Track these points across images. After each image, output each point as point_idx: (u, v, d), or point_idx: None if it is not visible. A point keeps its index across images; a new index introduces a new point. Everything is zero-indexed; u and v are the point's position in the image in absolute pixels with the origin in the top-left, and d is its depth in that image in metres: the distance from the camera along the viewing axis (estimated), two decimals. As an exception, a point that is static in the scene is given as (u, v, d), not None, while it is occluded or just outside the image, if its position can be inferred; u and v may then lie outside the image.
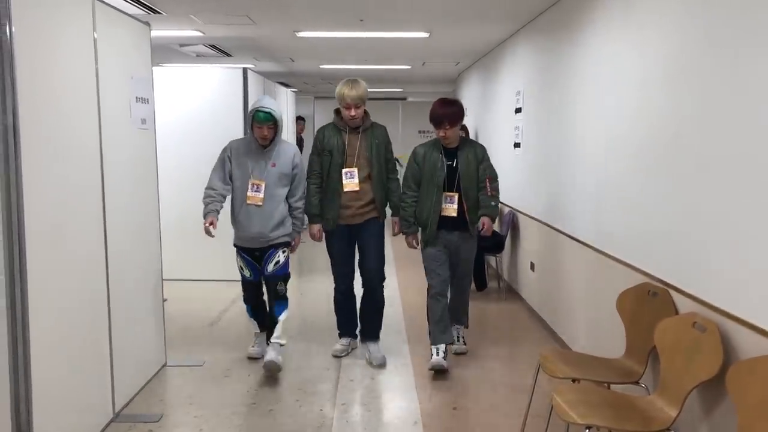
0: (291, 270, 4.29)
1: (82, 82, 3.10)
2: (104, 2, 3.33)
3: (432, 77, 11.35)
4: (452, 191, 4.18)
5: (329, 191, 4.31)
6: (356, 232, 4.38)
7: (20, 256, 2.51)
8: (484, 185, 4.21)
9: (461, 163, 4.18)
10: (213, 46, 7.60)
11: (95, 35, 3.21)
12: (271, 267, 4.13)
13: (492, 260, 7.09)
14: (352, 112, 4.18)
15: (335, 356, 4.48)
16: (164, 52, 8.04)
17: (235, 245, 4.22)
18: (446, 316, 4.24)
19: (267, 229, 4.07)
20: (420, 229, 4.29)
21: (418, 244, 4.35)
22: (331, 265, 4.48)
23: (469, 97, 10.01)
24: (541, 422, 3.31)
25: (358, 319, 4.61)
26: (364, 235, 4.38)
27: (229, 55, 8.27)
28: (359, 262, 4.45)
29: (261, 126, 3.95)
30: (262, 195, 4.04)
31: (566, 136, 4.76)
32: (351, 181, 4.24)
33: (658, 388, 2.72)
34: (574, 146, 4.55)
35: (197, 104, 6.55)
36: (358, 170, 4.26)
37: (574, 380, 2.92)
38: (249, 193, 4.04)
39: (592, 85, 4.21)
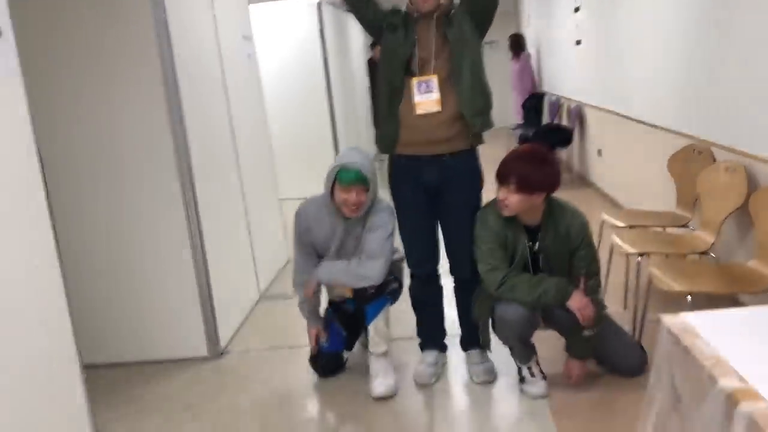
0: None
1: (206, 25, 3.80)
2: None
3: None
4: None
5: (382, 107, 2.74)
6: (435, 177, 2.72)
7: (191, 182, 3.26)
8: (576, 286, 2.60)
9: (545, 252, 2.64)
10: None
11: (208, -14, 3.89)
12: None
13: (563, 154, 7.60)
14: None
15: (419, 383, 2.97)
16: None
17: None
18: None
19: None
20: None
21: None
22: (399, 231, 2.89)
23: (529, 4, 10.27)
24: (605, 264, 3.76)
25: (458, 321, 3.03)
26: (449, 189, 2.73)
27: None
28: (443, 235, 2.88)
29: (349, 189, 2.71)
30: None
31: (622, 29, 5.19)
32: (427, 97, 2.60)
33: (701, 224, 3.31)
34: (630, 37, 5.00)
35: (278, 40, 7.21)
36: (439, 79, 2.60)
37: (631, 227, 3.53)
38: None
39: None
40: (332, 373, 3.12)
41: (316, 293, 3.03)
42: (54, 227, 2.13)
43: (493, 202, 2.68)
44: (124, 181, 3.25)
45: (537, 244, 2.64)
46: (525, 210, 2.58)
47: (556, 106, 8.01)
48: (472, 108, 2.62)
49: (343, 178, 2.69)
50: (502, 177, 2.56)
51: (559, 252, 2.63)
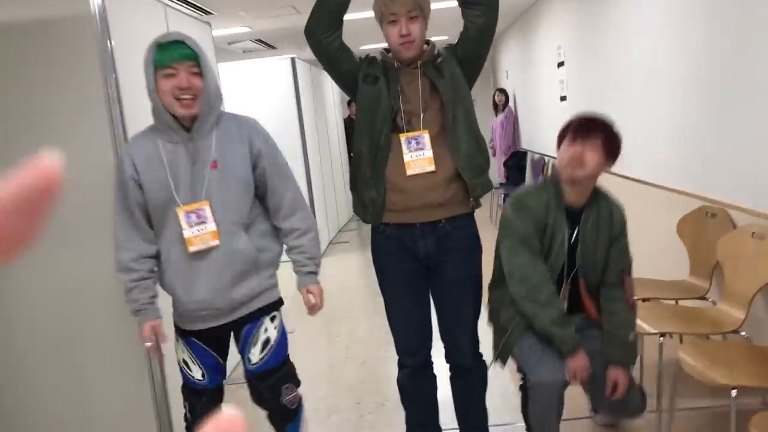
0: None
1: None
2: (172, 7, 3.66)
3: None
4: (561, 282, 2.34)
5: (363, 169, 2.29)
6: (432, 246, 2.30)
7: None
8: (620, 283, 2.34)
9: (585, 239, 2.29)
10: (259, 41, 7.95)
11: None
12: (256, 355, 2.20)
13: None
14: (404, 29, 2.16)
15: None
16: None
17: (175, 326, 2.26)
18: None
19: (227, 286, 2.12)
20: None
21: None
22: (388, 314, 2.44)
23: (508, 60, 10.14)
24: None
25: (456, 417, 2.55)
26: (447, 260, 2.32)
27: (273, 47, 8.62)
28: (438, 315, 2.43)
29: (173, 72, 1.95)
30: (213, 227, 2.07)
31: (612, 82, 4.93)
32: (419, 155, 2.21)
33: (724, 297, 2.93)
34: (621, 89, 4.72)
35: (251, 98, 6.89)
36: (430, 134, 2.22)
37: (643, 300, 3.14)
38: (187, 234, 2.05)
39: (632, 26, 4.37)
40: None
41: (153, 273, 2.16)
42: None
43: (539, 194, 2.30)
44: (66, 256, 2.80)
45: (576, 231, 2.29)
46: (588, 180, 2.23)
47: (541, 165, 7.73)
48: (471, 169, 2.25)
49: (163, 57, 1.93)
50: (583, 131, 2.18)
51: (599, 241, 2.31)
